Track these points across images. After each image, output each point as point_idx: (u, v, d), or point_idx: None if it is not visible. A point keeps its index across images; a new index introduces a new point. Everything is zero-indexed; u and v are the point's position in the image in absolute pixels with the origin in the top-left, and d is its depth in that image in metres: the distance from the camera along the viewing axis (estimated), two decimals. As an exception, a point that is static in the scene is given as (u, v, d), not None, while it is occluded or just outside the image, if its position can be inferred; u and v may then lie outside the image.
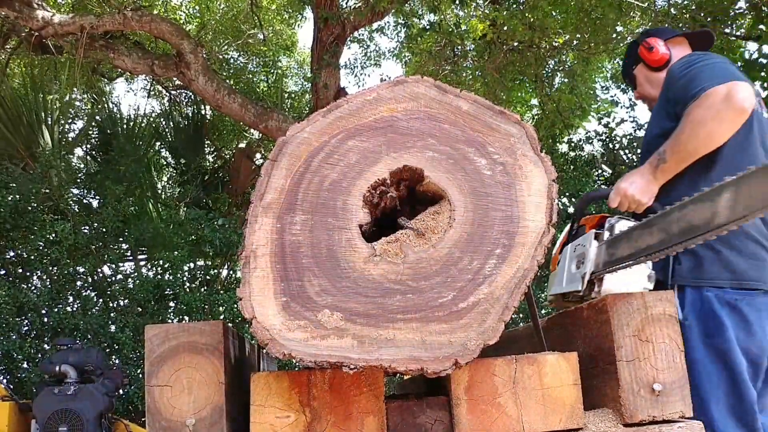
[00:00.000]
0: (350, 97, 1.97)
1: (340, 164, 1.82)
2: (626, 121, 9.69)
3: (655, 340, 1.75)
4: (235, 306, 7.21)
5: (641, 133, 9.56)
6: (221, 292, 7.64)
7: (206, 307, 7.46)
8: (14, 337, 6.81)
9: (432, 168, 1.82)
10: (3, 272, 7.62)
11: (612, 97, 10.91)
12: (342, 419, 1.63)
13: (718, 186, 1.83)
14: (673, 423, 1.69)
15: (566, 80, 10.67)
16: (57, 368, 5.13)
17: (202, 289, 7.79)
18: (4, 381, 6.24)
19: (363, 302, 1.62)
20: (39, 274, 7.57)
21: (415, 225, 1.75)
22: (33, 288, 7.39)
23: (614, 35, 9.42)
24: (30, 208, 7.52)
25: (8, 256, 7.64)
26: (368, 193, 1.80)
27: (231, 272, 8.62)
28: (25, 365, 6.91)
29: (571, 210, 8.83)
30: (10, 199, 7.35)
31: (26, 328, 7.16)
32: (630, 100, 9.98)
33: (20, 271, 7.56)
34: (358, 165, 1.83)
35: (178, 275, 7.84)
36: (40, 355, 6.89)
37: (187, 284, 7.97)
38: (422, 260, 1.68)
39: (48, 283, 7.49)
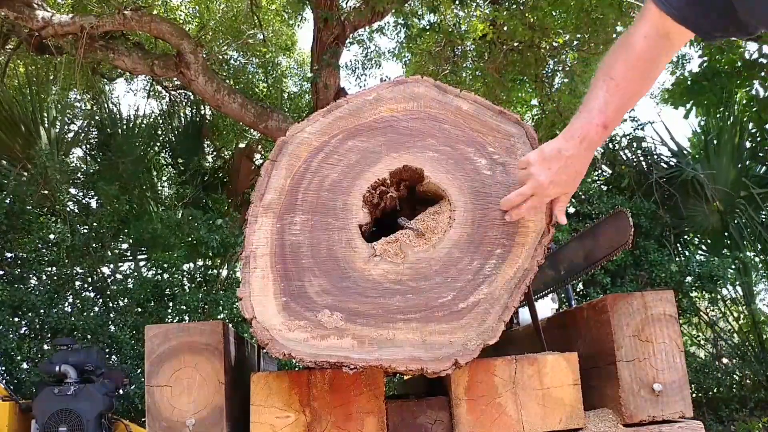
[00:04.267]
0: (350, 98, 1.97)
1: (341, 164, 1.82)
2: (626, 121, 9.68)
3: (655, 340, 1.75)
4: (235, 306, 7.21)
5: (641, 133, 9.56)
6: (221, 292, 7.64)
7: (205, 307, 7.46)
8: (13, 337, 6.81)
9: (432, 168, 1.82)
10: (1, 273, 7.62)
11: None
12: (342, 419, 1.63)
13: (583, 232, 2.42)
14: (673, 423, 1.68)
15: (566, 80, 10.67)
16: (57, 368, 5.14)
17: (202, 289, 7.79)
18: (4, 381, 6.24)
19: (363, 302, 1.62)
20: (37, 274, 7.56)
21: (415, 225, 1.75)
22: (31, 288, 7.38)
23: (614, 35, 9.42)
24: (27, 208, 7.52)
25: (6, 257, 7.64)
26: (368, 193, 1.80)
27: (231, 272, 8.62)
28: (24, 365, 6.91)
29: (571, 210, 8.83)
30: (8, 201, 7.35)
31: (25, 328, 7.16)
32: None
33: (18, 271, 7.56)
34: (359, 165, 1.83)
35: (177, 275, 7.84)
36: (39, 356, 6.89)
37: (187, 284, 7.97)
38: (422, 260, 1.68)
39: (47, 284, 7.48)
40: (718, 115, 9.80)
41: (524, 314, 2.62)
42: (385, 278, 1.65)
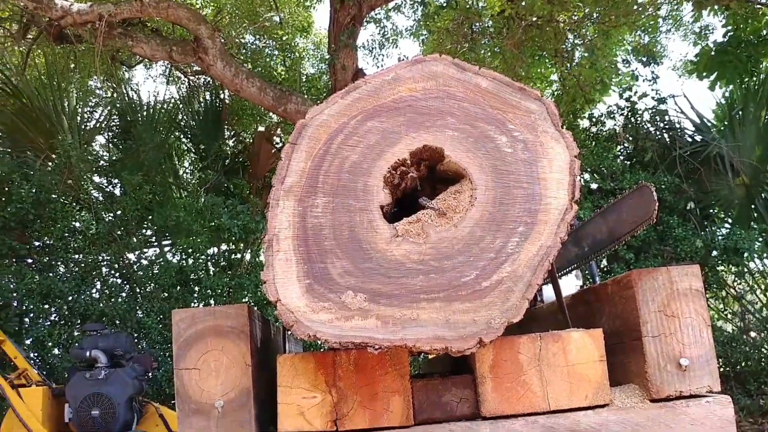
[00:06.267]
0: (369, 78, 1.96)
1: (360, 145, 1.82)
2: (648, 95, 9.53)
3: (681, 315, 1.74)
4: (260, 290, 7.28)
5: (663, 107, 9.41)
6: (244, 276, 7.71)
7: (230, 291, 7.54)
8: (43, 324, 6.95)
9: (452, 147, 1.81)
10: (29, 261, 7.75)
11: (633, 70, 10.74)
12: (368, 399, 1.65)
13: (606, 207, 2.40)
14: (700, 398, 1.67)
15: (586, 54, 10.52)
16: (87, 353, 5.24)
17: (226, 274, 7.87)
18: (36, 367, 6.37)
19: (386, 283, 1.62)
20: (64, 262, 7.69)
21: (437, 205, 1.74)
22: (59, 276, 7.51)
23: (635, 7, 9.26)
24: (52, 197, 7.62)
25: (34, 246, 7.76)
26: (389, 173, 1.79)
27: (253, 256, 8.69)
28: (56, 351, 7.05)
29: (593, 186, 8.76)
30: (33, 191, 7.45)
31: (55, 315, 7.30)
32: (652, 72, 9.82)
33: (46, 259, 7.69)
34: (378, 146, 1.82)
35: (201, 261, 7.93)
36: (70, 342, 7.03)
37: (211, 269, 8.05)
38: (444, 240, 1.67)
39: (74, 270, 7.60)
40: (743, 86, 9.62)
41: (548, 291, 2.61)
42: (408, 258, 1.65)
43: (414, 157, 1.84)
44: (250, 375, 1.72)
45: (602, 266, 7.99)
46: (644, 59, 10.21)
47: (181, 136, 11.29)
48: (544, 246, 1.66)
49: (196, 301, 7.64)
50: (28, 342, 6.93)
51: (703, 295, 1.78)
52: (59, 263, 7.63)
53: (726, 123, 9.47)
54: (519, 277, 1.62)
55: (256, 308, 1.97)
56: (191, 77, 12.51)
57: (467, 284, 1.62)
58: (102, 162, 9.65)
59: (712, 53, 9.93)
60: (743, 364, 7.81)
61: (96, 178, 9.38)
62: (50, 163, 8.29)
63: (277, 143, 11.30)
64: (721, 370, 7.62)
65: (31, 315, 7.05)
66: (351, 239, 1.69)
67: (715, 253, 8.05)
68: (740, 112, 9.23)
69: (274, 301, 1.59)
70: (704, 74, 10.04)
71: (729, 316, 8.84)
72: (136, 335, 7.21)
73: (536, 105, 1.86)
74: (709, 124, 9.57)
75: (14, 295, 7.08)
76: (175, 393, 1.72)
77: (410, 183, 1.87)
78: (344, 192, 1.76)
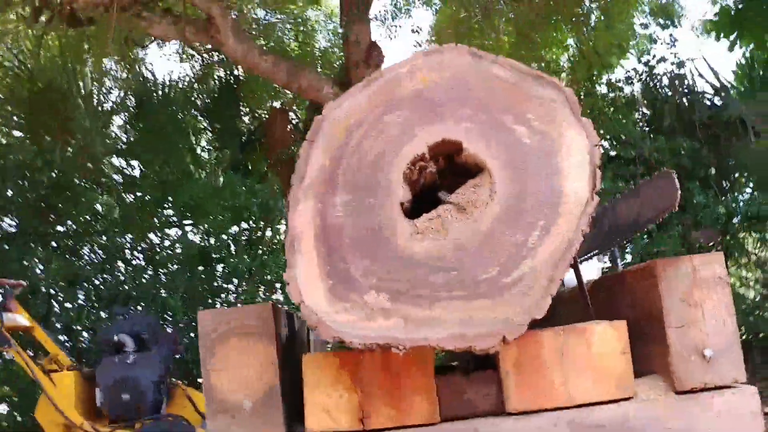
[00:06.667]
0: (385, 71, 1.95)
1: (379, 141, 1.81)
2: (666, 59, 9.34)
3: (704, 304, 1.72)
4: (281, 270, 7.34)
5: (682, 71, 9.24)
6: (266, 255, 7.78)
7: (252, 269, 7.60)
8: (72, 306, 7.08)
9: (470, 139, 1.79)
10: (54, 245, 7.86)
11: (651, 33, 10.53)
12: (393, 397, 1.66)
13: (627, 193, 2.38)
14: (725, 389, 1.67)
15: (603, 17, 10.34)
16: (114, 338, 5.33)
17: (249, 252, 7.93)
18: (67, 352, 6.50)
19: (407, 281, 1.62)
20: (89, 245, 7.80)
21: (456, 199, 1.74)
22: (84, 260, 7.63)
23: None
24: (74, 181, 7.71)
25: (58, 231, 7.87)
26: (407, 169, 1.79)
27: (274, 234, 8.74)
28: (84, 335, 7.19)
29: (612, 153, 8.66)
30: (54, 175, 7.54)
31: (82, 298, 7.43)
32: (671, 36, 9.63)
33: (70, 243, 7.80)
34: (397, 140, 1.81)
35: (222, 238, 8.00)
36: (98, 324, 7.15)
37: (233, 247, 8.13)
38: (464, 235, 1.67)
39: (98, 253, 7.72)
40: (765, 45, 9.41)
41: (569, 275, 2.60)
42: (428, 256, 1.65)
43: (432, 151, 1.83)
44: (277, 374, 1.74)
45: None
46: (662, 22, 10.01)
47: (197, 115, 11.32)
48: (566, 239, 1.64)
49: (219, 280, 7.73)
50: (57, 326, 7.08)
51: (727, 282, 1.76)
52: (83, 246, 7.75)
53: (746, 84, 9.28)
54: (541, 272, 1.61)
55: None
56: (205, 55, 12.47)
57: (488, 281, 1.61)
58: (120, 144, 9.72)
59: (732, 12, 9.68)
60: (766, 332, 7.76)
61: (114, 160, 9.45)
62: (69, 148, 8.35)
63: (293, 119, 11.28)
64: (743, 338, 7.59)
65: (60, 299, 7.18)
66: (371, 237, 1.69)
67: (736, 219, 7.96)
68: (761, 73, 9.03)
69: (297, 303, 1.60)
70: (724, 33, 9.80)
71: (751, 283, 8.76)
72: (160, 316, 7.32)
73: (555, 93, 1.83)
74: (729, 87, 9.38)
75: (42, 280, 7.21)
76: (204, 392, 1.75)
77: (429, 178, 1.86)
78: (363, 189, 1.75)
